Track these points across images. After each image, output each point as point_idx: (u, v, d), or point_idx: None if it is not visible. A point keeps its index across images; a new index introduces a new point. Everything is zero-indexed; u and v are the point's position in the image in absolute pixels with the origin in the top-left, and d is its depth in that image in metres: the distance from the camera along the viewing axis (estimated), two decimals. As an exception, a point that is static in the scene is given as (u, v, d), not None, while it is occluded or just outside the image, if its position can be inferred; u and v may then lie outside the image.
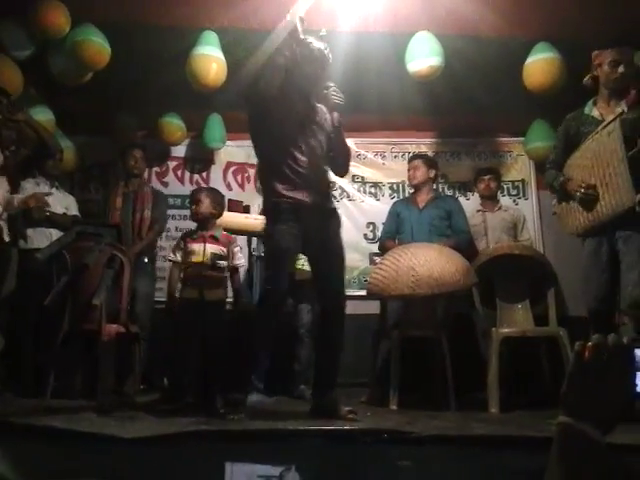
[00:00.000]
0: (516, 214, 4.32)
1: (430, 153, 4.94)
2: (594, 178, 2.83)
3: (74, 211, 4.08)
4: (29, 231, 3.80)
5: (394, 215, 4.06)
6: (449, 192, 4.99)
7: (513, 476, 1.77)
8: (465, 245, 3.88)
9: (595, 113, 3.00)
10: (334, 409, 2.57)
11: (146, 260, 4.07)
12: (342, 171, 3.08)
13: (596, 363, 0.75)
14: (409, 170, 4.14)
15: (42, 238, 3.81)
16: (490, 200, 4.32)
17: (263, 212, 2.89)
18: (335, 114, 2.82)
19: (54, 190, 3.99)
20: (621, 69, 2.91)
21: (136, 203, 4.11)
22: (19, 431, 1.98)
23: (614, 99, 2.97)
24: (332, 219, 2.84)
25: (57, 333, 3.31)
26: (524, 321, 3.31)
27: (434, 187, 4.29)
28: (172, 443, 1.93)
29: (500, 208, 4.30)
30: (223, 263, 3.28)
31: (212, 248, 3.26)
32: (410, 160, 4.23)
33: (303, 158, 2.72)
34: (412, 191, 4.21)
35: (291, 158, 2.71)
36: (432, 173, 4.07)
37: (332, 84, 2.79)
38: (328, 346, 2.78)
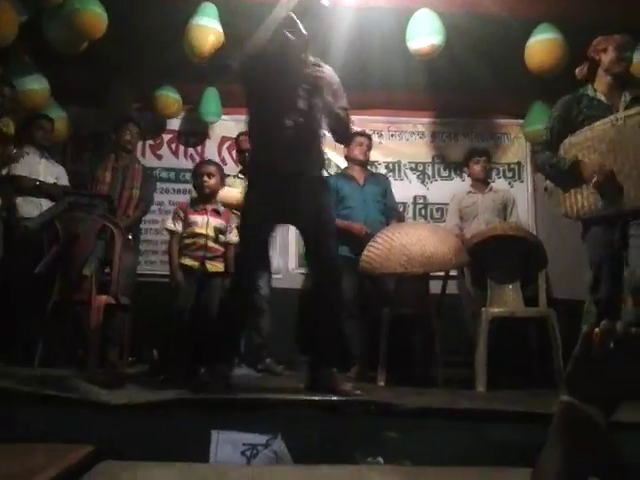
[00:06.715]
0: (506, 196, 4.25)
1: (427, 133, 4.92)
2: (610, 165, 2.71)
3: (64, 181, 4.05)
4: (18, 199, 3.77)
5: (333, 191, 3.57)
6: (445, 173, 4.99)
7: (497, 449, 1.79)
8: None
9: (601, 97, 2.90)
10: (331, 385, 2.40)
11: (130, 237, 3.97)
12: (341, 137, 2.83)
13: (603, 349, 0.75)
14: (359, 146, 3.94)
15: (32, 207, 3.78)
16: (482, 182, 4.25)
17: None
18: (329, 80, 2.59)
19: (43, 160, 3.96)
20: (629, 54, 2.87)
21: (125, 180, 4.03)
22: (10, 397, 1.98)
23: (617, 86, 2.88)
24: (319, 187, 2.64)
25: (47, 303, 3.31)
26: (514, 302, 3.31)
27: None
28: (160, 410, 1.93)
29: (491, 190, 4.25)
30: (223, 238, 3.30)
31: (215, 222, 3.27)
32: (360, 135, 4.01)
33: (289, 122, 2.49)
34: (346, 166, 4.08)
35: (275, 121, 2.49)
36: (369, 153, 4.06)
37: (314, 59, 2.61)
38: (323, 319, 2.60)
